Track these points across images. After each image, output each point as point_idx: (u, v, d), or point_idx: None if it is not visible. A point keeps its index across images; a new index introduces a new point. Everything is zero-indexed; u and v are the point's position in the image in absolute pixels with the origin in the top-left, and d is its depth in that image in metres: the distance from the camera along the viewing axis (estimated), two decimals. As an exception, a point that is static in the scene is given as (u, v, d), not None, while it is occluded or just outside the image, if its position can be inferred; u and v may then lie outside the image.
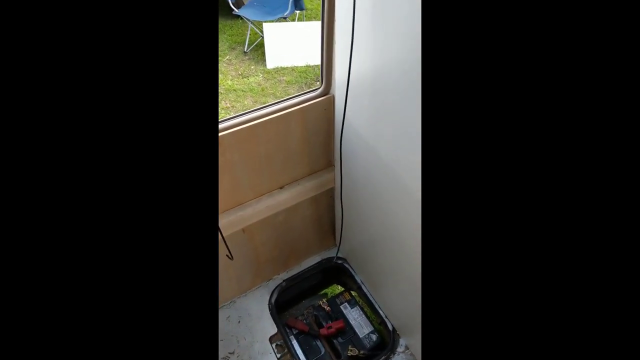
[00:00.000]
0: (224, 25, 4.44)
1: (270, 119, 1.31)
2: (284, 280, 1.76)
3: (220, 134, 1.23)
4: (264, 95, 3.67)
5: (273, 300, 1.70)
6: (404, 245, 1.26)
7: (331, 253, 1.86)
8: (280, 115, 1.32)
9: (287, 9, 3.85)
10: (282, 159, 1.44)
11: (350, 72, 1.13)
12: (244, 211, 1.45)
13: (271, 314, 1.66)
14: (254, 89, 3.70)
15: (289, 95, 3.71)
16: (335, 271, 1.87)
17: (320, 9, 1.22)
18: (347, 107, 1.24)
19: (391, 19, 0.94)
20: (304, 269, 1.81)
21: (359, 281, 1.75)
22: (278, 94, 3.69)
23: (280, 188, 1.51)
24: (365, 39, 1.05)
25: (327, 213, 1.75)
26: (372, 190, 1.33)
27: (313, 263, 1.83)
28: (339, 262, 1.82)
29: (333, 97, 1.37)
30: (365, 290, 1.72)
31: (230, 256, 1.36)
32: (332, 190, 1.65)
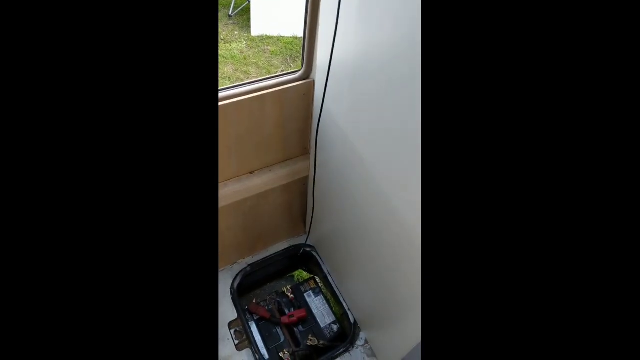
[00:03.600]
0: (209, -18, 4.15)
1: (244, 99, 1.21)
2: (248, 265, 1.72)
3: None
4: (246, 64, 3.49)
5: (235, 285, 1.65)
6: (371, 239, 1.22)
7: (300, 240, 1.81)
8: (255, 96, 1.23)
9: (278, -27, 3.61)
10: (254, 143, 1.35)
11: (333, 55, 1.04)
12: (209, 194, 1.36)
13: (232, 299, 1.61)
14: (235, 57, 3.51)
15: (272, 66, 3.57)
16: (302, 258, 1.83)
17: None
18: (326, 94, 1.16)
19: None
20: (271, 254, 1.76)
21: (325, 270, 1.72)
22: (261, 64, 3.52)
23: (250, 173, 1.43)
24: (354, 20, 0.95)
25: (299, 201, 1.69)
26: (345, 182, 1.28)
27: (280, 249, 1.78)
28: (308, 249, 1.78)
29: (313, 82, 1.28)
30: (330, 280, 1.70)
31: None
32: (306, 178, 1.58)
